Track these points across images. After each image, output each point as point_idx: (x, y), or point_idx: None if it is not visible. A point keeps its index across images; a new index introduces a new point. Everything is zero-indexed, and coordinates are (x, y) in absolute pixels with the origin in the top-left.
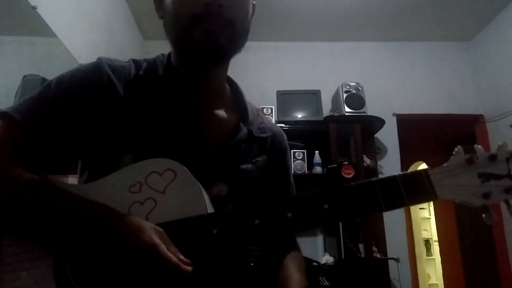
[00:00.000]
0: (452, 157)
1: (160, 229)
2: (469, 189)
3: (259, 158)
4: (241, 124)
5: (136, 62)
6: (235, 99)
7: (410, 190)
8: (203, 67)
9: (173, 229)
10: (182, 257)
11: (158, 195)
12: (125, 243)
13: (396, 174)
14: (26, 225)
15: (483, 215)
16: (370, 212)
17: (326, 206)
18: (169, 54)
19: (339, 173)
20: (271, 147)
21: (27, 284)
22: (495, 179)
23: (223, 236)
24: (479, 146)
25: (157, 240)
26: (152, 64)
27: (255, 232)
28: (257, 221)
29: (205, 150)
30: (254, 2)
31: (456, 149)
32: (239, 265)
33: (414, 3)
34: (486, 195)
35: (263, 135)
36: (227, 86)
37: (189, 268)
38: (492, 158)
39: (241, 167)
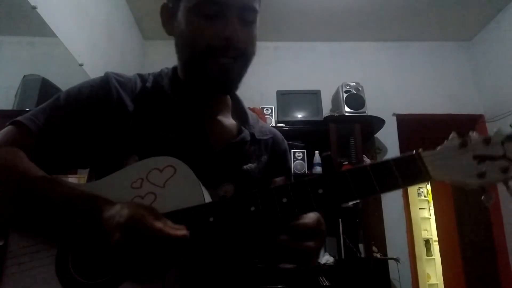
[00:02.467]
0: (445, 141)
1: (149, 206)
2: (464, 169)
3: (261, 159)
4: (243, 128)
5: (141, 76)
6: (236, 107)
7: (404, 172)
8: (214, 95)
9: (171, 219)
10: (173, 224)
11: (158, 189)
12: (111, 223)
13: (389, 158)
14: (26, 214)
15: (482, 197)
16: (365, 195)
17: (320, 191)
18: (174, 67)
19: (332, 160)
20: (272, 148)
21: (29, 276)
22: (491, 160)
23: (219, 223)
24: (474, 132)
25: (141, 212)
26: (157, 77)
27: (251, 219)
28: (253, 208)
29: (210, 152)
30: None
31: (450, 135)
32: (240, 258)
33: (414, 3)
34: (481, 175)
35: (265, 137)
36: (228, 96)
37: (184, 232)
38: (487, 141)
39: (245, 167)
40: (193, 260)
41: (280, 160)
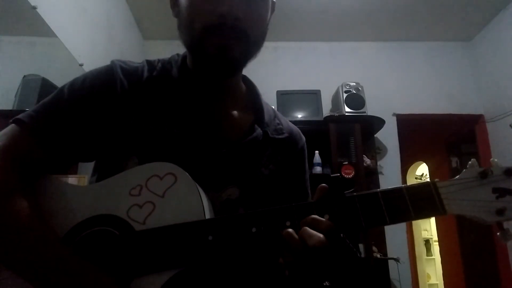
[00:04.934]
0: (464, 170)
1: None
2: (482, 204)
3: (273, 161)
4: (256, 126)
5: (150, 63)
6: (251, 100)
7: (417, 204)
8: (216, 78)
9: (169, 234)
10: None
11: (157, 198)
12: None
13: (403, 185)
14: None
15: (498, 233)
16: (373, 225)
17: (327, 217)
18: (184, 54)
19: (341, 182)
20: (287, 149)
21: (23, 281)
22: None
23: (218, 243)
24: (496, 160)
25: None
26: (166, 65)
27: (252, 240)
28: (254, 229)
29: (216, 151)
30: (274, 0)
31: (470, 162)
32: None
33: (414, 3)
34: (500, 212)
35: (280, 137)
36: (243, 85)
37: None
38: (509, 172)
39: (253, 170)
40: (190, 278)
41: (295, 160)
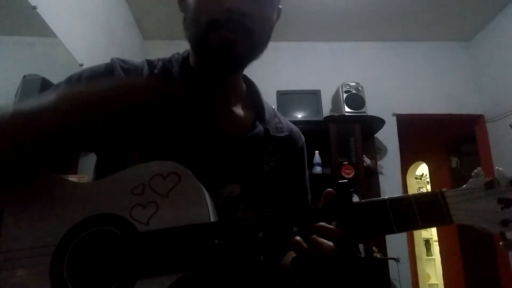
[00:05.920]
0: (470, 179)
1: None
2: (487, 215)
3: (274, 158)
4: (257, 122)
5: (150, 62)
6: (252, 98)
7: (425, 213)
8: (218, 74)
9: (174, 236)
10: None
11: (160, 199)
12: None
13: (411, 194)
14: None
15: (501, 243)
16: (380, 233)
17: (334, 224)
18: (185, 52)
19: (349, 188)
20: (287, 147)
21: (22, 282)
22: None
23: (224, 247)
24: (500, 168)
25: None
26: (167, 64)
27: (259, 245)
28: (261, 234)
29: (217, 147)
30: (280, 6)
31: (475, 170)
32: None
33: (414, 3)
34: (505, 222)
35: (280, 135)
36: (243, 85)
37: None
38: None
39: (254, 166)
40: (195, 282)
41: (296, 159)
